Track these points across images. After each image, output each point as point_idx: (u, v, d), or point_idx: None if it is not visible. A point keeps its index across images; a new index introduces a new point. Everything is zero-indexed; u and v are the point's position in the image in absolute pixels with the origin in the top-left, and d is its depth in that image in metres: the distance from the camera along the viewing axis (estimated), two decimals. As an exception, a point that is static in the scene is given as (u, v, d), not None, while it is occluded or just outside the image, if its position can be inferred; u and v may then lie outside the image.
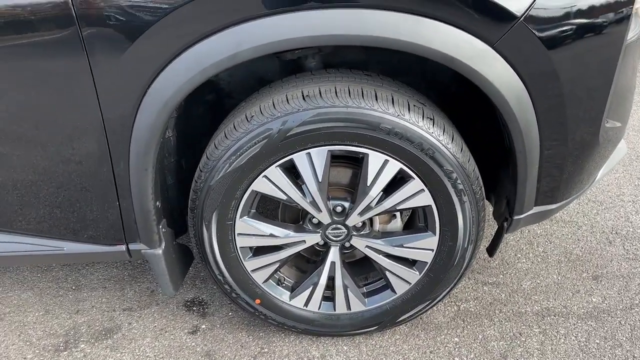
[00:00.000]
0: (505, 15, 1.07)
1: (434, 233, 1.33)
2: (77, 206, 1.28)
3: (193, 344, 1.53)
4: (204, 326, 1.59)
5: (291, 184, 1.26)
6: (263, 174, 1.24)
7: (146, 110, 1.14)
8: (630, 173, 2.26)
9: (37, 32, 1.06)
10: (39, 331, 1.60)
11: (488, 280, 1.71)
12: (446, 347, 1.48)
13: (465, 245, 1.34)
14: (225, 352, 1.50)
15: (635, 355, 1.42)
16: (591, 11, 1.15)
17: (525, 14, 1.09)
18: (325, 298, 1.47)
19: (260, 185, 1.26)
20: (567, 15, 1.13)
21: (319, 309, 1.47)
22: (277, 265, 1.40)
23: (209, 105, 1.54)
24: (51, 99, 1.13)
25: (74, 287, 1.77)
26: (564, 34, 1.14)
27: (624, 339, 1.47)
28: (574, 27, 1.14)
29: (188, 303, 1.68)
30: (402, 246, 1.36)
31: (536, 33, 1.11)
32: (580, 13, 1.14)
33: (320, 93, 1.18)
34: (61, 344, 1.55)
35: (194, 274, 1.80)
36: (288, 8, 1.05)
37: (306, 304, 1.46)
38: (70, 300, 1.72)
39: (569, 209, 2.03)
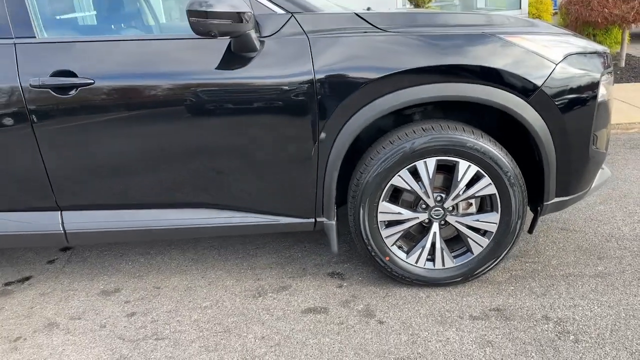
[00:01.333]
0: (532, 84, 2.08)
1: (497, 212, 2.24)
2: (292, 193, 2.22)
3: (341, 291, 2.38)
4: (345, 284, 2.45)
5: (414, 180, 2.20)
6: (398, 174, 2.19)
7: (342, 136, 2.12)
8: (620, 205, 3.16)
9: (291, 98, 2.06)
10: (238, 288, 2.46)
11: (528, 260, 2.57)
12: (506, 291, 2.32)
13: (516, 220, 2.24)
14: (365, 295, 2.34)
15: (629, 293, 2.25)
16: (579, 87, 2.16)
17: (542, 85, 2.09)
18: (427, 260, 2.34)
19: (396, 180, 2.20)
20: (565, 88, 2.13)
21: (424, 265, 2.34)
22: (400, 234, 2.29)
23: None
24: (290, 130, 2.11)
25: (249, 268, 2.65)
26: (564, 96, 2.14)
27: (620, 286, 2.31)
28: (569, 94, 2.14)
29: (329, 274, 2.55)
30: (478, 221, 2.26)
31: (549, 95, 2.10)
32: (572, 88, 2.15)
33: (432, 127, 2.16)
34: (256, 294, 2.41)
35: (323, 262, 2.67)
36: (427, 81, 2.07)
37: (416, 262, 2.33)
38: (250, 275, 2.59)
39: (577, 223, 2.92)
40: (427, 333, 2.08)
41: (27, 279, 2.69)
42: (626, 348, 1.93)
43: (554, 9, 10.74)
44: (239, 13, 1.92)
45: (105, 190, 2.24)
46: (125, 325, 2.24)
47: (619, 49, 6.96)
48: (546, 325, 2.08)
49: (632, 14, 6.29)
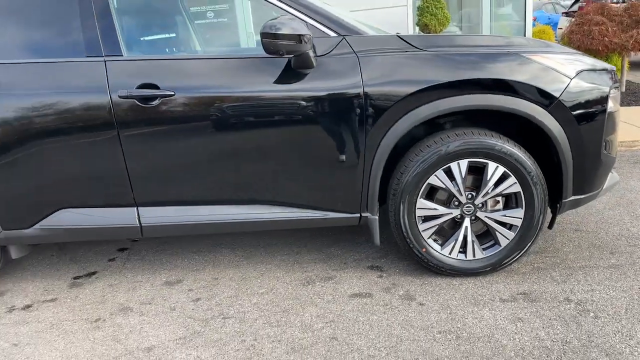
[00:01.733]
0: (551, 96, 2.41)
1: (522, 208, 2.54)
2: (341, 191, 2.53)
3: (382, 280, 2.67)
4: (384, 274, 2.73)
5: (448, 179, 2.51)
6: (435, 173, 2.50)
7: (386, 140, 2.44)
8: (627, 210, 3.46)
9: (342, 108, 2.40)
10: (288, 278, 2.75)
11: (547, 255, 2.86)
12: (530, 279, 2.60)
13: (539, 215, 2.54)
14: (403, 283, 2.63)
15: (638, 279, 2.54)
16: (591, 99, 2.49)
17: (560, 96, 2.43)
18: (459, 252, 2.63)
19: (433, 179, 2.51)
20: (578, 99, 2.47)
21: (457, 256, 2.63)
22: (435, 228, 2.59)
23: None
24: (341, 136, 2.43)
25: (295, 262, 2.94)
26: (578, 106, 2.47)
27: (632, 275, 2.60)
28: (583, 104, 2.48)
29: (369, 267, 2.84)
30: (505, 216, 2.57)
31: (565, 106, 2.44)
32: (585, 99, 2.48)
33: (464, 133, 2.49)
34: (305, 283, 2.69)
35: (362, 257, 2.96)
36: (458, 93, 2.40)
37: (450, 253, 2.62)
38: (297, 268, 2.87)
39: (589, 225, 3.21)
40: (463, 312, 2.36)
41: (93, 273, 2.98)
42: (640, 322, 2.22)
43: (556, 40, 11.24)
44: (299, 35, 2.27)
45: (177, 188, 2.55)
46: (193, 308, 2.53)
47: (620, 75, 7.36)
48: (568, 305, 2.36)
49: (631, 42, 6.71)
